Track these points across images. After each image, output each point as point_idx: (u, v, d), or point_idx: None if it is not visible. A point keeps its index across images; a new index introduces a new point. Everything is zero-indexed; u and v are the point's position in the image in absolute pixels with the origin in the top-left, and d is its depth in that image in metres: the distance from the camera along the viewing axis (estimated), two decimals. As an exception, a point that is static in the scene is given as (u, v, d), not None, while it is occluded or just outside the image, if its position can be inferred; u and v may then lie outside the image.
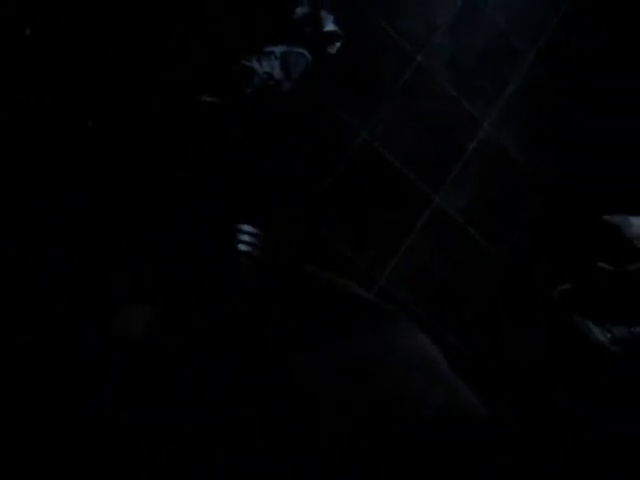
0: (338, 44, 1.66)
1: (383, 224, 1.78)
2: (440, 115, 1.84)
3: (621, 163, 1.98)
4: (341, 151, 1.71)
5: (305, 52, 1.57)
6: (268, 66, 1.46)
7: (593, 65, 2.01)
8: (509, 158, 1.92)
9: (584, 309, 1.77)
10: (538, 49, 1.96)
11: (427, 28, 1.83)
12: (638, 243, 1.75)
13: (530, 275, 1.90)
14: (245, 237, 1.47)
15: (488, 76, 1.90)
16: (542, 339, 1.84)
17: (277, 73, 1.48)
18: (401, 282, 1.79)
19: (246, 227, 1.47)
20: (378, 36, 1.76)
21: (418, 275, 1.80)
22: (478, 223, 1.87)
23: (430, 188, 1.82)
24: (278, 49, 1.52)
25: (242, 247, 1.46)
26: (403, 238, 1.78)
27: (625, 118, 2.01)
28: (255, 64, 1.42)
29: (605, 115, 2.00)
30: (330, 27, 1.61)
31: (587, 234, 1.91)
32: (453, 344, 1.83)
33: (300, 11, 1.55)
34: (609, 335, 1.69)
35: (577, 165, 1.97)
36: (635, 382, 1.67)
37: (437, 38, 1.84)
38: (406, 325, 0.84)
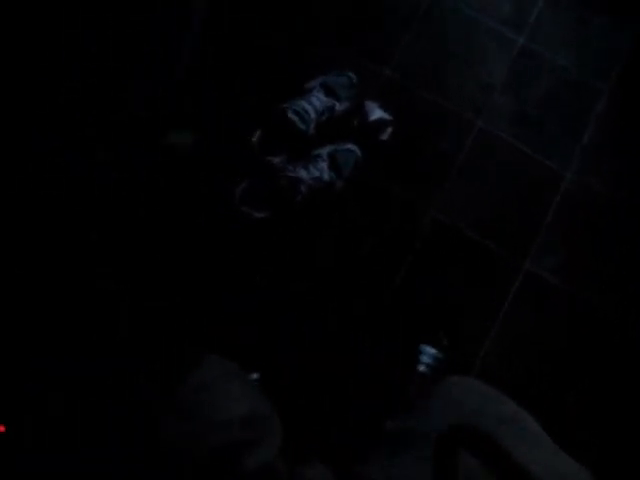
0: (389, 129, 1.62)
1: (473, 301, 1.66)
2: (515, 177, 1.71)
3: None
4: (410, 235, 1.64)
5: (353, 147, 1.55)
6: (315, 170, 1.45)
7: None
8: (603, 200, 1.72)
9: None
10: (611, 82, 1.78)
11: (482, 90, 1.73)
12: None
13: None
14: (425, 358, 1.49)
15: (560, 122, 1.75)
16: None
17: (326, 175, 1.47)
18: (500, 361, 1.64)
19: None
20: (431, 111, 1.70)
21: (518, 350, 1.64)
22: (580, 280, 1.68)
23: (518, 254, 1.67)
24: (325, 150, 1.51)
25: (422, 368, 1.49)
26: (494, 314, 1.64)
27: None
28: (301, 172, 1.42)
29: None
30: (376, 115, 1.58)
31: None
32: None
33: (340, 107, 1.54)
34: None
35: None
36: None
37: (496, 97, 1.73)
38: None
